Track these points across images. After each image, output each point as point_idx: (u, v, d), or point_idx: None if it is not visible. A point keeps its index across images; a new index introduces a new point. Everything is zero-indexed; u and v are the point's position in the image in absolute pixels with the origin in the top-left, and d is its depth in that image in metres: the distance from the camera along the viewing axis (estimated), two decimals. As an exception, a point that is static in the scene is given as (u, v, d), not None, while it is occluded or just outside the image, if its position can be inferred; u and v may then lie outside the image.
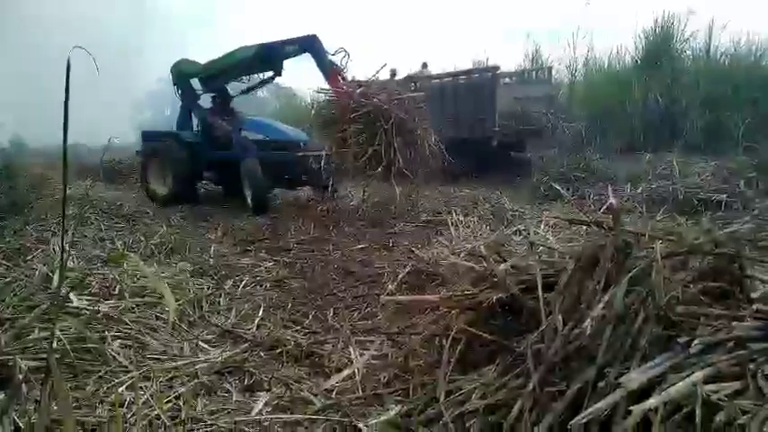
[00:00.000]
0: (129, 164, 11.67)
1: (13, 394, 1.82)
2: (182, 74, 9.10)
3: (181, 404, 2.31)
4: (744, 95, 10.32)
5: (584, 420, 1.52)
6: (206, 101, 9.25)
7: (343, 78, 7.46)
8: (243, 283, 4.25)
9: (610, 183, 7.47)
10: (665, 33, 11.66)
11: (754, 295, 1.89)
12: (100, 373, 2.52)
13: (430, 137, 7.02)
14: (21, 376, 2.02)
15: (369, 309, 3.73)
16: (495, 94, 10.11)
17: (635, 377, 1.58)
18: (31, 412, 1.87)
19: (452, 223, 5.82)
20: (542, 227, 5.44)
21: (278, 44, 8.08)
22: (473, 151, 10.20)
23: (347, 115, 6.62)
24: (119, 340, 2.87)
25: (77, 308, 3.11)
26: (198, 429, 2.12)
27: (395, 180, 6.69)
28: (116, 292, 3.48)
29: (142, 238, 5.35)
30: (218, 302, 3.80)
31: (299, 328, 3.43)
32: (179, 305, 3.52)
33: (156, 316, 3.27)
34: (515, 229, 5.61)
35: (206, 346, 3.04)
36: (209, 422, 2.16)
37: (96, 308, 3.14)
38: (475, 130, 10.10)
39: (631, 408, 1.47)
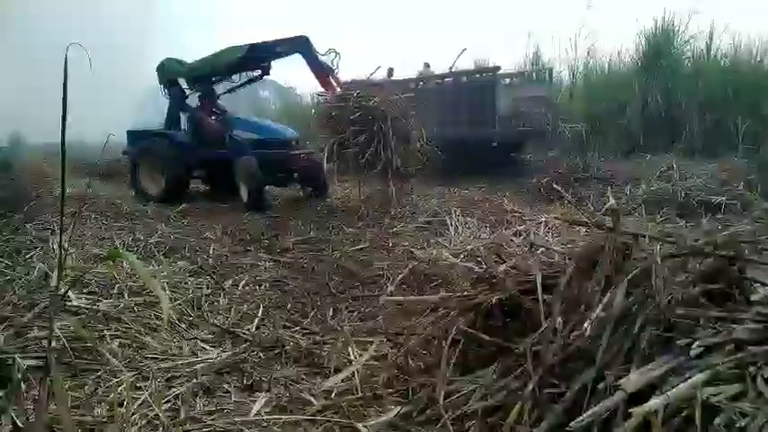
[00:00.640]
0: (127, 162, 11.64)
1: (11, 393, 1.82)
2: (168, 73, 9.09)
3: (180, 404, 2.31)
4: (744, 97, 10.32)
5: (584, 422, 1.52)
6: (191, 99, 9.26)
7: (335, 79, 7.50)
8: (242, 282, 4.25)
9: (609, 184, 7.49)
10: (665, 35, 11.65)
11: (753, 297, 1.89)
12: (99, 373, 2.51)
13: (422, 136, 7.20)
14: (19, 375, 2.02)
15: (368, 309, 3.73)
16: (496, 94, 10.11)
17: (635, 379, 1.58)
18: (29, 411, 1.87)
19: (452, 224, 5.82)
20: (542, 228, 5.44)
21: (267, 45, 8.10)
22: (473, 152, 10.20)
23: (346, 116, 6.69)
24: (118, 339, 2.87)
25: (76, 306, 3.11)
26: (197, 429, 2.12)
27: (392, 179, 6.80)
28: (115, 290, 3.48)
29: (141, 237, 5.34)
30: (218, 302, 3.80)
31: (298, 328, 3.43)
32: (178, 305, 3.51)
33: (155, 315, 3.27)
34: (515, 230, 5.60)
35: (205, 345, 3.04)
36: (207, 422, 2.16)
37: (95, 307, 3.14)
38: (475, 130, 10.09)
39: (631, 410, 1.47)
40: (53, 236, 4.78)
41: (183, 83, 9.18)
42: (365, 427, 2.15)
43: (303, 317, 3.63)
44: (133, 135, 9.28)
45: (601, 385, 1.66)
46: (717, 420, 1.41)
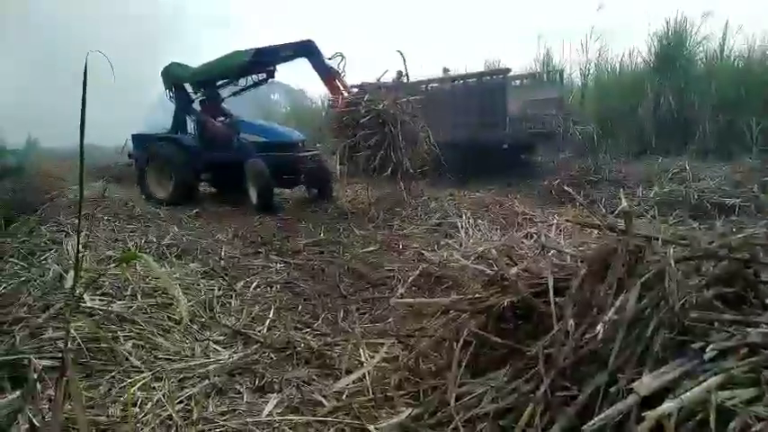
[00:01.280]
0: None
1: (27, 393, 1.84)
2: (173, 78, 9.15)
3: (192, 405, 2.33)
4: (757, 98, 10.21)
5: (597, 426, 1.51)
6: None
7: (342, 83, 7.54)
8: (254, 284, 4.27)
9: (621, 186, 7.44)
10: (678, 36, 11.57)
11: (768, 301, 1.87)
12: (113, 373, 2.54)
13: (429, 138, 7.32)
14: (35, 375, 2.04)
15: (379, 311, 3.74)
16: (507, 96, 10.08)
17: (648, 383, 1.57)
18: (45, 411, 1.89)
19: (462, 226, 5.81)
20: (553, 230, 5.42)
21: (273, 49, 8.14)
22: (484, 154, 10.18)
23: (356, 120, 6.75)
24: (131, 340, 2.89)
25: (91, 308, 3.14)
26: (209, 430, 2.13)
27: (401, 181, 6.89)
28: (128, 292, 3.51)
29: (154, 239, 5.38)
30: (230, 304, 3.82)
31: (309, 329, 3.44)
32: (190, 306, 3.54)
33: (168, 316, 3.29)
34: (526, 232, 5.59)
35: (217, 347, 3.06)
36: (220, 423, 2.18)
37: (109, 308, 3.17)
38: (485, 132, 10.07)
39: (644, 414, 1.46)
40: (67, 238, 4.83)
41: (188, 87, 9.24)
42: (376, 428, 2.15)
43: (314, 318, 3.64)
44: (139, 139, 9.33)
45: (613, 388, 1.65)
46: (731, 425, 1.40)
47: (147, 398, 2.31)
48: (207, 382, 2.54)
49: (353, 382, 2.58)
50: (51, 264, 4.03)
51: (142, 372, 2.56)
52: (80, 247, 4.18)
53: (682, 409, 1.46)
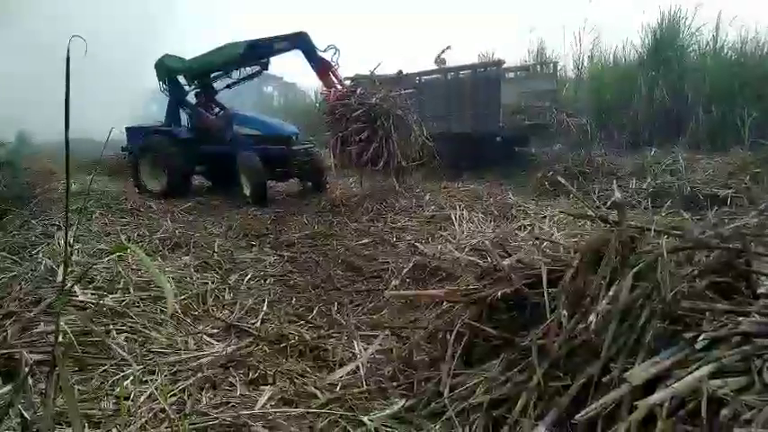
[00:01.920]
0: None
1: (19, 387, 1.83)
2: (167, 70, 9.10)
3: (186, 398, 2.32)
4: (751, 90, 10.24)
5: (589, 415, 1.52)
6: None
7: (335, 75, 7.52)
8: (247, 277, 4.26)
9: (615, 178, 7.46)
10: (671, 28, 11.58)
11: (760, 290, 1.88)
12: (105, 367, 2.53)
13: (423, 131, 7.38)
14: (27, 369, 2.03)
15: (373, 303, 3.74)
16: (500, 88, 10.07)
17: (640, 372, 1.58)
18: (37, 405, 1.88)
19: (456, 218, 5.81)
20: (547, 222, 5.43)
21: (267, 41, 8.11)
22: (477, 146, 10.18)
23: (349, 113, 6.75)
24: (124, 334, 2.88)
25: (82, 301, 3.13)
26: (203, 423, 2.12)
27: (393, 174, 6.94)
28: (121, 285, 3.49)
29: (146, 233, 5.36)
30: (223, 297, 3.81)
31: (303, 322, 3.44)
32: (183, 299, 3.53)
33: (160, 310, 3.28)
34: (520, 224, 5.59)
35: (210, 340, 3.05)
36: (213, 415, 2.17)
37: (101, 301, 3.15)
38: (479, 124, 10.06)
39: (636, 402, 1.47)
40: (59, 232, 4.80)
41: (182, 79, 9.19)
42: (370, 420, 2.15)
43: (308, 311, 3.64)
44: (133, 132, 9.28)
45: (606, 378, 1.66)
46: (723, 413, 1.40)
47: (139, 391, 2.30)
48: (200, 375, 2.53)
49: (347, 374, 2.59)
50: (43, 258, 4.00)
51: (135, 365, 2.54)
52: (71, 240, 4.16)
53: (673, 397, 1.47)
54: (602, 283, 1.94)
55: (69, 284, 3.03)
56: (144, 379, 2.44)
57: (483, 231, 5.43)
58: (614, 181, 6.40)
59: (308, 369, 2.70)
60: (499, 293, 2.29)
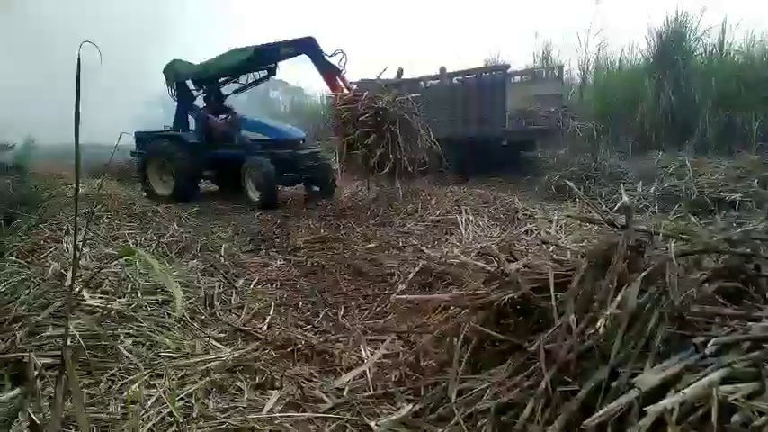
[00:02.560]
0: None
1: (28, 390, 1.84)
2: (175, 75, 9.14)
3: (193, 402, 2.32)
4: (757, 94, 10.20)
5: (598, 421, 1.51)
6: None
7: (342, 80, 7.53)
8: (254, 281, 4.27)
9: (621, 182, 7.44)
10: (677, 31, 11.55)
11: (769, 295, 1.87)
12: (113, 371, 2.53)
13: (429, 134, 7.33)
14: (35, 373, 2.04)
15: (379, 308, 3.74)
16: (506, 92, 10.07)
17: (649, 377, 1.57)
18: (45, 408, 1.89)
19: (462, 223, 5.80)
20: (553, 226, 5.41)
21: (273, 46, 8.13)
22: (483, 150, 10.17)
23: (355, 117, 6.75)
24: (131, 338, 2.89)
25: (90, 305, 3.14)
26: (210, 427, 2.13)
27: (399, 179, 6.93)
28: (128, 289, 3.50)
29: (154, 237, 5.38)
30: (230, 301, 3.82)
31: (309, 326, 3.44)
32: (190, 304, 3.53)
33: (167, 314, 3.29)
34: (526, 228, 5.58)
35: (218, 344, 3.05)
36: (220, 419, 2.17)
37: (109, 305, 3.16)
38: (485, 129, 10.06)
39: (646, 408, 1.46)
40: (67, 236, 4.82)
41: (190, 84, 9.24)
42: (377, 424, 2.15)
43: (314, 315, 3.64)
44: (142, 137, 9.35)
45: (615, 383, 1.65)
46: (733, 419, 1.39)
47: (147, 395, 2.31)
48: (207, 379, 2.54)
49: (354, 379, 2.59)
50: (51, 262, 4.02)
51: (142, 369, 2.55)
52: (79, 244, 4.17)
53: (683, 403, 1.46)
54: (610, 288, 1.93)
55: (78, 288, 3.04)
56: (151, 383, 2.45)
57: (489, 236, 5.43)
58: (621, 185, 6.40)
59: (314, 373, 2.71)
60: (506, 298, 2.28)
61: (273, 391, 2.46)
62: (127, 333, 2.92)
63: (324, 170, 8.32)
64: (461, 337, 2.35)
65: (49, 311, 2.95)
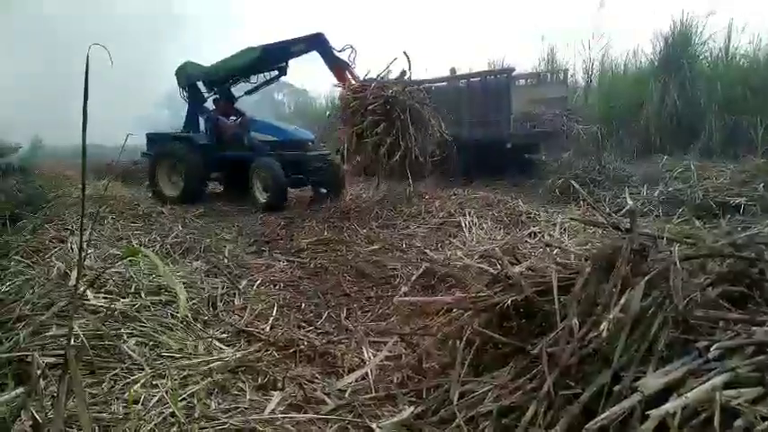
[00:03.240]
0: (145, 164, 11.82)
1: (31, 390, 1.84)
2: (187, 76, 9.17)
3: (195, 402, 2.32)
4: (763, 98, 10.17)
5: (600, 424, 1.51)
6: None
7: (352, 74, 7.48)
8: (257, 282, 4.27)
9: (626, 186, 7.42)
10: (682, 35, 11.54)
11: (774, 300, 1.86)
12: (116, 371, 2.54)
13: (441, 125, 7.15)
14: (38, 372, 2.04)
15: (382, 310, 3.74)
16: (510, 95, 10.06)
17: (652, 381, 1.56)
18: (48, 407, 1.89)
19: (466, 225, 5.80)
20: (557, 229, 5.40)
21: (284, 44, 8.13)
22: (487, 153, 10.16)
23: (364, 106, 6.63)
24: (134, 338, 2.89)
25: (94, 306, 3.15)
26: (212, 427, 2.13)
27: (409, 170, 6.74)
28: (132, 290, 3.51)
29: (157, 238, 5.39)
30: (233, 302, 3.82)
31: (312, 328, 3.44)
32: (194, 304, 3.54)
33: (171, 314, 3.29)
34: (530, 231, 5.57)
35: (220, 344, 3.05)
36: (222, 420, 2.17)
37: (113, 306, 3.17)
38: (489, 132, 10.06)
39: (648, 412, 1.45)
40: (71, 236, 4.84)
41: (201, 86, 9.27)
42: (379, 426, 2.14)
43: (317, 317, 3.64)
44: (153, 138, 9.40)
45: (617, 387, 1.64)
46: (736, 424, 1.38)
47: (149, 395, 2.31)
48: (209, 379, 2.54)
49: (356, 381, 2.59)
50: (55, 262, 4.04)
51: (145, 369, 2.56)
52: (84, 245, 4.18)
53: (686, 408, 1.45)
54: (614, 291, 1.93)
55: (82, 288, 3.05)
56: (154, 383, 2.45)
57: (493, 238, 5.42)
58: (626, 189, 6.38)
59: (316, 375, 2.70)
60: (509, 301, 2.28)
61: (275, 393, 2.46)
62: (130, 333, 2.93)
63: (332, 172, 8.28)
64: (464, 339, 2.34)
65: (52, 311, 2.96)
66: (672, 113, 10.93)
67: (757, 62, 11.24)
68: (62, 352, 2.41)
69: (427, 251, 5.01)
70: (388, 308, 3.72)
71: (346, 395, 2.46)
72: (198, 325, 3.29)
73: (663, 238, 2.14)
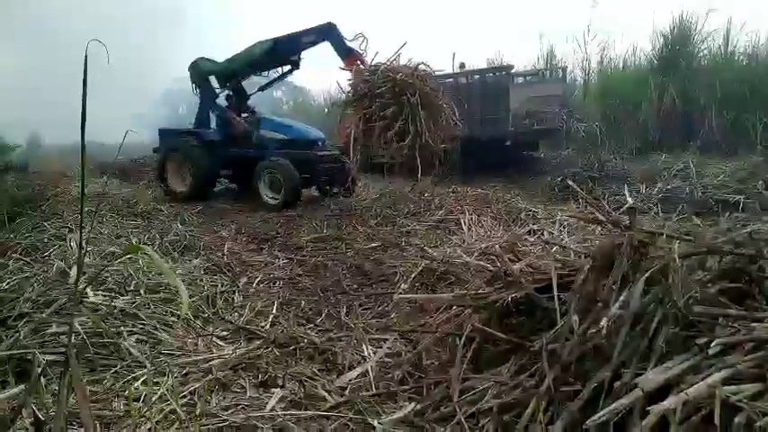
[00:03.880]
0: (144, 161, 11.81)
1: (32, 387, 1.84)
2: (200, 72, 9.14)
3: (195, 399, 2.33)
4: (762, 95, 10.17)
5: (600, 421, 1.51)
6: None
7: (364, 64, 7.37)
8: (257, 280, 4.27)
9: (625, 183, 7.42)
10: (682, 33, 11.54)
11: (773, 296, 1.87)
12: (116, 368, 2.54)
13: (452, 111, 6.97)
14: (39, 370, 2.05)
15: (382, 307, 3.74)
16: (509, 93, 10.06)
17: (652, 378, 1.57)
18: (49, 405, 1.90)
19: (465, 223, 5.80)
20: (556, 226, 5.40)
21: (295, 36, 8.06)
22: (487, 151, 10.16)
23: (373, 90, 6.50)
24: (135, 335, 2.90)
25: (94, 303, 3.15)
26: (213, 424, 2.13)
27: (419, 157, 6.45)
28: (132, 287, 3.51)
29: (157, 236, 5.39)
30: (233, 299, 3.82)
31: (312, 325, 3.44)
32: (193, 302, 3.54)
33: (171, 312, 3.30)
34: (529, 228, 5.58)
35: (220, 342, 3.06)
36: (223, 417, 2.18)
37: (113, 303, 3.17)
38: (489, 129, 10.05)
39: (648, 408, 1.46)
40: (71, 234, 4.84)
41: (213, 82, 9.22)
42: (379, 423, 2.15)
43: (317, 314, 3.64)
44: (165, 134, 9.38)
45: (617, 384, 1.65)
46: (736, 420, 1.39)
47: (150, 392, 2.31)
48: (210, 377, 2.54)
49: (356, 378, 2.59)
50: (55, 259, 4.04)
51: (145, 367, 2.56)
52: (83, 242, 4.18)
53: (686, 404, 1.46)
54: (614, 288, 1.93)
55: (82, 286, 3.05)
56: (154, 380, 2.45)
57: (492, 236, 5.42)
58: (626, 186, 6.38)
59: (317, 372, 2.71)
60: (509, 298, 2.28)
61: (276, 390, 2.46)
62: (130, 331, 2.93)
63: (343, 172, 8.18)
64: (464, 336, 2.35)
65: (53, 309, 2.96)
66: (671, 111, 10.94)
67: (756, 60, 11.24)
68: (62, 349, 2.42)
69: (426, 248, 5.01)
70: (388, 305, 3.72)
71: (347, 392, 2.46)
72: (198, 323, 3.30)
73: (662, 236, 2.14)
